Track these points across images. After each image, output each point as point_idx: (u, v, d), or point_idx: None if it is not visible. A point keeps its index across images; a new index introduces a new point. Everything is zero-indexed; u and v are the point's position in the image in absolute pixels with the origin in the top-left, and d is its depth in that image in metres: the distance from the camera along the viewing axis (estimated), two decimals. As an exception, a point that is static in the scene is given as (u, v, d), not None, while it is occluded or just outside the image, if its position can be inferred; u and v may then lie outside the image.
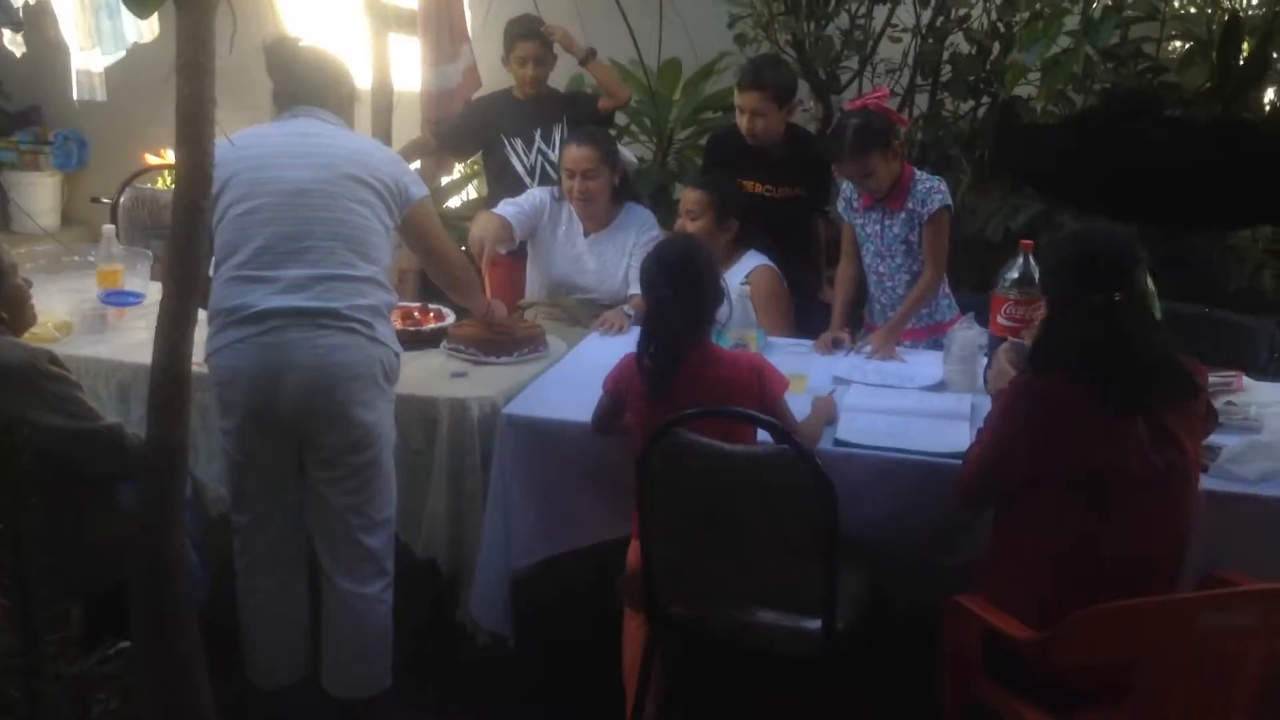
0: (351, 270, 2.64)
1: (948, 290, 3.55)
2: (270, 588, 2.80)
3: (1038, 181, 1.64)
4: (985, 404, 2.76)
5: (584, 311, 3.85)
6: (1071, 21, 3.72)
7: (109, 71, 5.40)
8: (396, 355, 2.76)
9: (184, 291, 1.99)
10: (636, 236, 3.89)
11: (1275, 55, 4.20)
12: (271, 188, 2.65)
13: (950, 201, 3.39)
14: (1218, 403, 2.70)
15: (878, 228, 3.46)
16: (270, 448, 2.71)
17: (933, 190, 3.36)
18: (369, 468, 2.69)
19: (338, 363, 2.60)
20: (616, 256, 3.91)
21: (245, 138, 2.65)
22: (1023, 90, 4.38)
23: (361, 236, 2.67)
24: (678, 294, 2.61)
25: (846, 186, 3.54)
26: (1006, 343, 2.85)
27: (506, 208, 3.90)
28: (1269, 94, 4.52)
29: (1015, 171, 2.38)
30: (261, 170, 2.66)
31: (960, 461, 2.56)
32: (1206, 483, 2.50)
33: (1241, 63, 3.93)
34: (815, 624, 2.43)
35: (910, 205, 3.38)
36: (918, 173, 3.42)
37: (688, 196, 3.75)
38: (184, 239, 1.97)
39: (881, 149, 3.31)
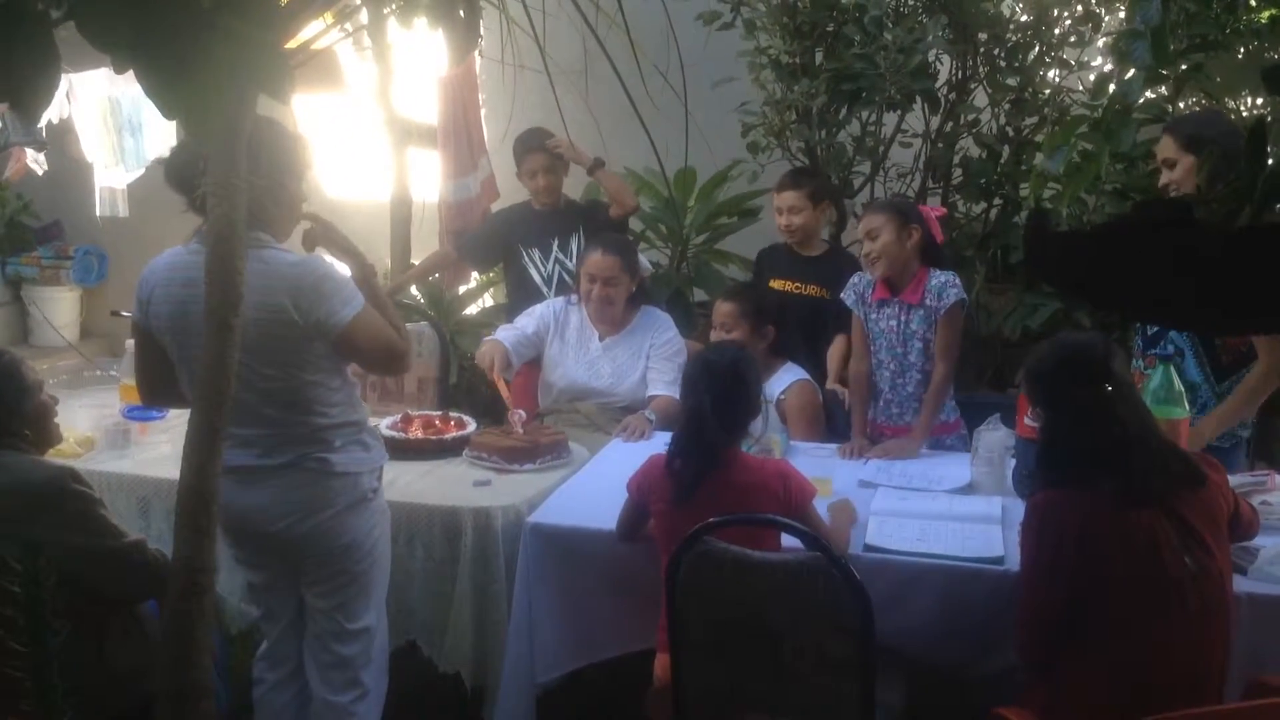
0: (289, 430, 2.57)
1: (950, 391, 3.54)
2: (270, 681, 2.80)
3: (1074, 290, 1.65)
4: (1016, 506, 2.73)
5: (604, 416, 3.84)
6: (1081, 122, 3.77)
7: (130, 187, 5.51)
8: (372, 470, 2.68)
9: (212, 410, 1.98)
10: (653, 338, 3.91)
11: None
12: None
13: (965, 296, 3.43)
14: (1253, 503, 2.67)
15: (894, 323, 3.46)
16: (261, 558, 2.72)
17: (947, 284, 3.39)
18: (342, 576, 2.66)
19: (299, 500, 2.58)
20: (631, 359, 3.91)
21: (177, 270, 2.54)
22: (1027, 192, 4.42)
23: (293, 399, 2.55)
24: (719, 401, 2.60)
25: (858, 278, 3.56)
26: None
27: (507, 333, 3.95)
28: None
29: (1051, 280, 2.41)
30: (192, 321, 2.34)
31: (995, 566, 2.52)
32: (1246, 585, 2.46)
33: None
34: (852, 739, 2.36)
35: (928, 300, 3.40)
36: (933, 270, 3.45)
37: (720, 310, 3.79)
38: (213, 357, 1.97)
39: (897, 221, 3.39)
